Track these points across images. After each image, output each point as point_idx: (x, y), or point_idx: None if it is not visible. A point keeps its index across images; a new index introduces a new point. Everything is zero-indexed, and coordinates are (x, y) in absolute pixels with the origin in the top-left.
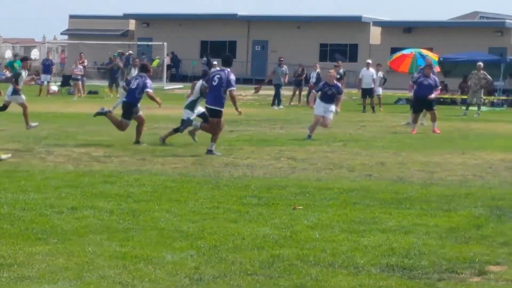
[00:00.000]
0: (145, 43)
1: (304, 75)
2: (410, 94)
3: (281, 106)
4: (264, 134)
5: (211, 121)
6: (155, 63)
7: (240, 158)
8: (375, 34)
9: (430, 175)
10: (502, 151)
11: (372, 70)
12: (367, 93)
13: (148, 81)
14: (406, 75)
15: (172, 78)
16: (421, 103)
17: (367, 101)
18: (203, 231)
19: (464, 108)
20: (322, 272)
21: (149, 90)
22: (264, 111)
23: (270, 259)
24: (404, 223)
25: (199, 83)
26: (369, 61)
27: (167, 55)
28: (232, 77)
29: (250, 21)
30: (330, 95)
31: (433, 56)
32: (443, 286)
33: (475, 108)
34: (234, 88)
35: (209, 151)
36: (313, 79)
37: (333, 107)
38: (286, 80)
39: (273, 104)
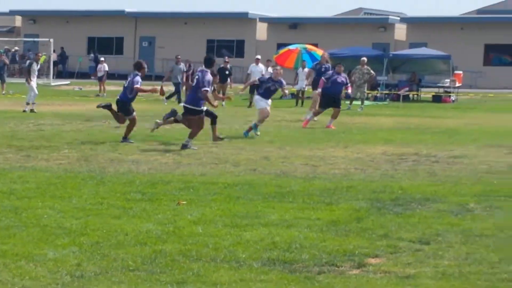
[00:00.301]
0: (32, 39)
1: (191, 71)
2: (319, 90)
3: (181, 104)
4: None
5: (191, 119)
6: (41, 60)
7: (125, 154)
8: (261, 30)
9: (313, 169)
10: (384, 144)
11: (261, 65)
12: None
13: (136, 78)
14: (292, 70)
15: (59, 75)
16: (330, 100)
17: (254, 97)
18: (86, 228)
19: (348, 102)
20: (204, 267)
21: (137, 86)
22: (156, 107)
23: (152, 254)
24: (286, 217)
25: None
26: (259, 56)
27: (54, 51)
28: (207, 77)
29: (137, 18)
30: (272, 91)
31: (318, 52)
32: (323, 279)
33: (359, 102)
34: (206, 89)
35: (184, 146)
36: None
37: (270, 101)
38: (184, 78)
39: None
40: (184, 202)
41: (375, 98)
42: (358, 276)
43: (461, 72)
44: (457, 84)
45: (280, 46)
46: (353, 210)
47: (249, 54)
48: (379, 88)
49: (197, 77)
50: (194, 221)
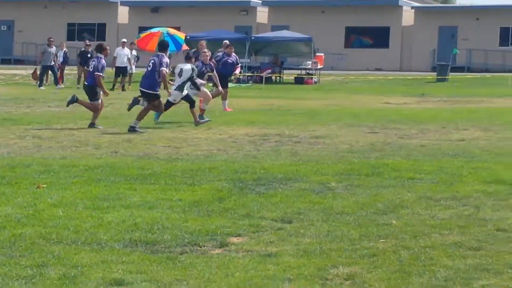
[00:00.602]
0: None
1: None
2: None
3: (62, 85)
4: (10, 113)
5: (152, 103)
6: None
7: None
8: (123, 14)
9: (176, 151)
10: (246, 125)
11: (127, 49)
12: (122, 71)
13: (101, 63)
14: (154, 53)
15: None
16: (223, 80)
17: (118, 80)
18: None
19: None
20: (65, 250)
21: (97, 74)
22: (11, 90)
23: (11, 238)
24: (148, 198)
25: (187, 66)
26: (124, 40)
27: None
28: (165, 60)
29: None
30: (206, 74)
31: (180, 35)
32: (185, 259)
33: None
34: (164, 68)
35: (132, 128)
36: (60, 59)
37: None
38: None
39: (40, 85)
40: (44, 186)
41: (238, 80)
42: (221, 255)
43: (322, 54)
44: (319, 66)
45: (142, 29)
46: (216, 191)
47: (110, 37)
48: (241, 71)
49: (153, 61)
50: (54, 204)
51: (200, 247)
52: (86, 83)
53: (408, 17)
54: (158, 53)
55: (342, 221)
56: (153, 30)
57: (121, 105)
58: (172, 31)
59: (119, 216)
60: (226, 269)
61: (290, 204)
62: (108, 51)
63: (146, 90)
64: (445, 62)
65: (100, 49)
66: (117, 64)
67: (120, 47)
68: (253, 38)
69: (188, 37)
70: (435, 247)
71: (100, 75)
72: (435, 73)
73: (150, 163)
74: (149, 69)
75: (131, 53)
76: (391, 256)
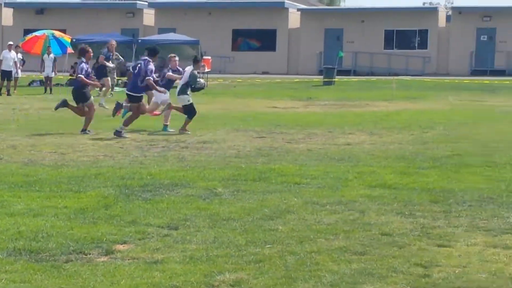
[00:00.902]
0: None
1: None
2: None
3: None
4: None
5: (132, 106)
6: None
7: None
8: (7, 16)
9: (62, 157)
10: (134, 130)
11: (13, 52)
12: (7, 75)
13: (81, 66)
14: (39, 56)
15: None
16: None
17: (4, 84)
18: None
19: (98, 89)
20: None
21: (80, 76)
22: None
23: None
24: (33, 206)
25: (188, 68)
26: (11, 42)
27: None
28: (150, 67)
29: None
30: (174, 80)
31: (66, 38)
32: (70, 267)
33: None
34: (150, 78)
35: (118, 132)
36: None
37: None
38: None
39: None
40: None
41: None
42: (106, 263)
43: (209, 57)
44: (206, 70)
45: (27, 32)
46: (102, 197)
47: None
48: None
49: (139, 65)
50: None
51: (86, 255)
52: (74, 87)
53: (294, 19)
54: (146, 58)
55: (229, 227)
56: (38, 33)
57: (6, 110)
58: (58, 33)
59: (3, 225)
60: (111, 277)
61: (176, 210)
62: (91, 54)
63: (129, 92)
64: (331, 65)
65: (82, 52)
66: (3, 68)
67: (7, 50)
68: (139, 41)
69: (74, 40)
70: (321, 252)
71: (81, 77)
72: (322, 76)
73: (35, 170)
74: (135, 72)
75: (16, 56)
76: (277, 262)
